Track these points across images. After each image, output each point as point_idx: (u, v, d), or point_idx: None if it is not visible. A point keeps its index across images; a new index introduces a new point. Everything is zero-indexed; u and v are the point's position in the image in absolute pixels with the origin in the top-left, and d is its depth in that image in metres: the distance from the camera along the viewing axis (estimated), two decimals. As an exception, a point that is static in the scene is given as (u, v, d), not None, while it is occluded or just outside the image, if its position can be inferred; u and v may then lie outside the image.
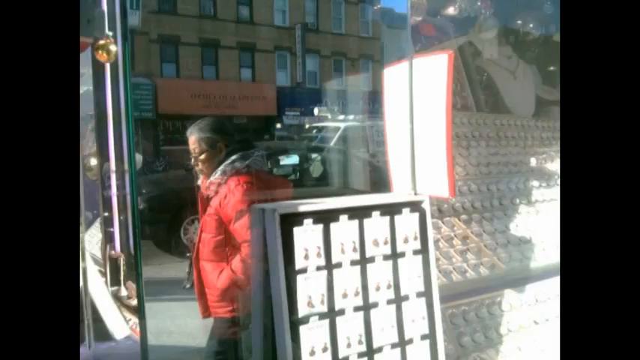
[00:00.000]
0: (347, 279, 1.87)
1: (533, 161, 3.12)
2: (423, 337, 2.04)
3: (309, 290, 1.79)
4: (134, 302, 2.70)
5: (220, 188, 2.46)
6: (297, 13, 22.61)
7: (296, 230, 1.78)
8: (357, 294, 1.89)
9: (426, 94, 2.15)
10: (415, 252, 2.04)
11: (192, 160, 2.56)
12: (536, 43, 3.10)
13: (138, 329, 2.27)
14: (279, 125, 20.96)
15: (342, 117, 13.28)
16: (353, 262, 1.88)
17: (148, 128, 17.26)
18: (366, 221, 1.92)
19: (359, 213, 1.91)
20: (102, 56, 2.44)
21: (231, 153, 2.50)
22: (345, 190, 7.70)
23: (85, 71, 2.88)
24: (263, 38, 21.55)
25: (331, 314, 1.83)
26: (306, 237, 1.80)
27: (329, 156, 8.87)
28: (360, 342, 1.88)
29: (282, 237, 1.76)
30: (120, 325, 2.71)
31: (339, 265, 1.85)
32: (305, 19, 22.80)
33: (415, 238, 2.04)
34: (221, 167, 2.47)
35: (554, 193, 3.09)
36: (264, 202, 2.18)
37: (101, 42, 2.43)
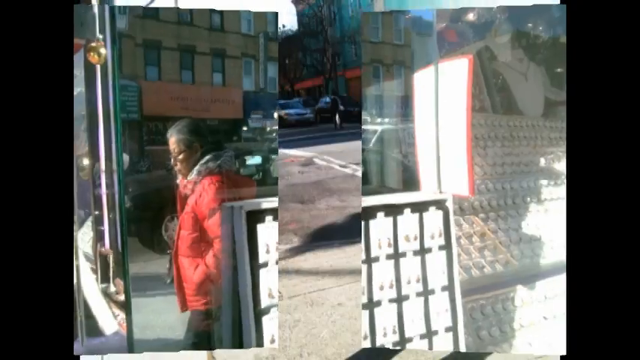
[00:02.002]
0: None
1: (542, 161, 3.21)
2: (447, 330, 2.12)
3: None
4: (122, 298, 2.74)
5: (196, 187, 2.56)
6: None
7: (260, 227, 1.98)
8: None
9: (448, 98, 2.23)
10: (440, 248, 2.12)
11: (172, 160, 2.66)
12: (545, 46, 3.18)
13: (125, 324, 2.37)
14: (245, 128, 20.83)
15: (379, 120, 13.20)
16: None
17: (134, 129, 17.07)
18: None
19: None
20: (93, 58, 2.50)
21: (205, 153, 2.60)
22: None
23: (78, 73, 2.90)
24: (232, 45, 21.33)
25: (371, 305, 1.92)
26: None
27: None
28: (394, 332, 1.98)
29: (248, 233, 1.96)
30: (109, 320, 2.75)
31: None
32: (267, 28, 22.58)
33: (440, 235, 2.12)
34: (197, 167, 2.58)
35: (562, 191, 3.17)
36: (233, 200, 2.30)
37: (93, 44, 2.49)
